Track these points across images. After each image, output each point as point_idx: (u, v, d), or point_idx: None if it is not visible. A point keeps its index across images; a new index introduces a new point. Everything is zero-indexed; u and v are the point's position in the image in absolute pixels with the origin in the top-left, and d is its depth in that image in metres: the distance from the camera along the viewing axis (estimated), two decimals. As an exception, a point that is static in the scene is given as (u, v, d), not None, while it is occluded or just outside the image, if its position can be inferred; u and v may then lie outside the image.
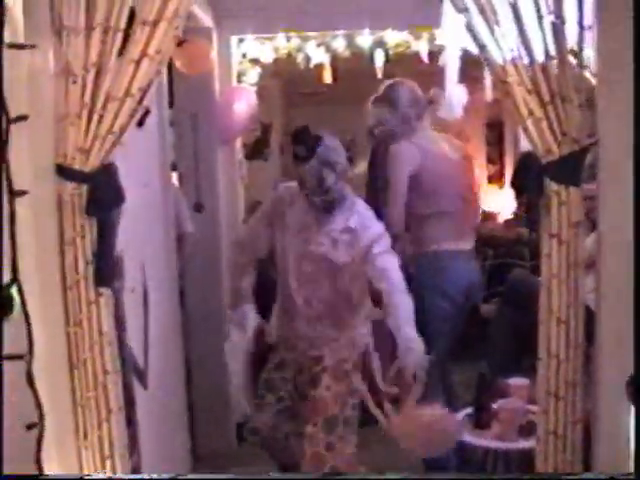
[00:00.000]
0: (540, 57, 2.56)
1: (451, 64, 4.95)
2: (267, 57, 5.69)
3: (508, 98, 2.61)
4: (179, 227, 4.54)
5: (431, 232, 4.41)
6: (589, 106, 2.63)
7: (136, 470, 3.02)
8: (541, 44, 2.55)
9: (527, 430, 3.65)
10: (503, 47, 2.57)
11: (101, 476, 2.74)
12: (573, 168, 2.56)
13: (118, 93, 2.52)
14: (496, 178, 9.46)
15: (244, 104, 5.26)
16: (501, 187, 9.29)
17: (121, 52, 2.54)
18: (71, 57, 2.51)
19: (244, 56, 5.65)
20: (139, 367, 3.24)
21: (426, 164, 4.33)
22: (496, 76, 2.65)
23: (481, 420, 3.83)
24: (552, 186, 2.59)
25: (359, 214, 3.75)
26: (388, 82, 4.69)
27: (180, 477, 3.41)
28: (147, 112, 3.15)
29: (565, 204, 2.58)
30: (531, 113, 2.56)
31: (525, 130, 2.60)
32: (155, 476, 3.02)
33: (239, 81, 5.54)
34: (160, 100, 3.75)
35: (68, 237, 2.57)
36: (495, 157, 9.45)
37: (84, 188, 2.55)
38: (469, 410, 3.96)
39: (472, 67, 5.64)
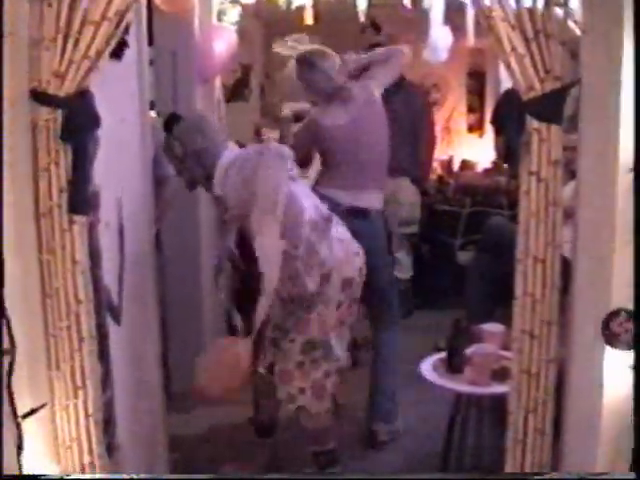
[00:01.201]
0: (527, 1, 2.54)
1: (436, 5, 4.91)
2: (248, -2, 5.63)
3: (491, 34, 2.58)
4: (159, 169, 4.49)
5: None
6: (572, 56, 2.61)
7: (109, 405, 3.00)
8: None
9: (500, 376, 3.66)
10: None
11: (96, 476, 2.75)
12: (555, 105, 2.54)
13: (94, 16, 2.47)
14: (476, 127, 9.44)
15: (224, 43, 5.19)
16: (481, 136, 9.27)
17: (99, -25, 2.49)
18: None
19: (225, -4, 5.58)
20: (113, 303, 3.21)
21: None
22: (480, 12, 2.61)
23: (454, 365, 3.85)
24: (533, 123, 2.57)
25: None
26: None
27: (170, 477, 3.45)
28: (124, 43, 3.09)
29: (545, 142, 2.56)
30: (514, 49, 2.53)
31: (507, 66, 2.57)
32: (144, 476, 3.04)
33: (219, 20, 5.47)
34: (139, 36, 3.68)
35: (42, 163, 2.54)
36: (476, 106, 9.42)
37: (59, 113, 2.51)
38: (442, 355, 3.97)
39: (453, 14, 5.63)
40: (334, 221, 3.88)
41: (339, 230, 3.91)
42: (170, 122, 3.84)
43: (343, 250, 3.88)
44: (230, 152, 3.78)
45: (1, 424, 2.26)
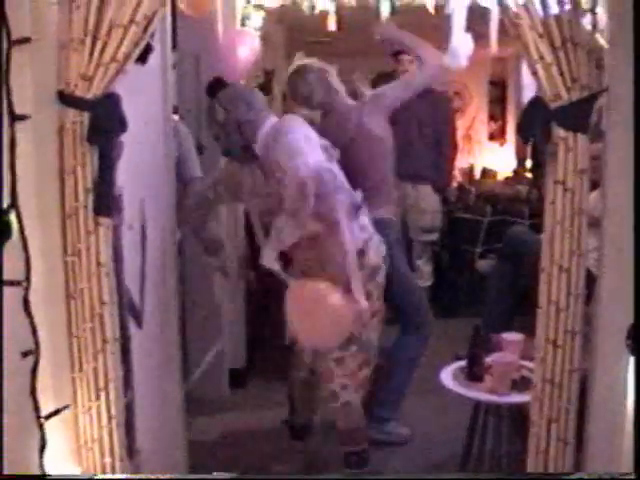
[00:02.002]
0: (554, 8, 2.53)
1: (458, 11, 4.89)
2: (272, 2, 5.62)
3: (518, 42, 2.58)
4: (186, 171, 4.50)
5: None
6: (597, 66, 2.60)
7: (129, 408, 3.01)
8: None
9: (520, 385, 3.65)
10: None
11: (107, 476, 2.75)
12: (582, 114, 2.54)
13: (122, 20, 2.49)
14: (497, 135, 9.44)
15: (247, 48, 5.18)
16: (502, 144, 9.27)
17: (127, -21, 2.50)
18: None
19: (249, 1, 5.58)
20: (135, 305, 3.22)
21: None
22: (507, 20, 2.61)
23: (474, 373, 3.83)
24: (559, 132, 2.56)
25: None
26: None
27: (184, 477, 3.45)
28: (150, 48, 3.10)
29: (572, 151, 2.56)
30: (541, 57, 2.53)
31: (535, 74, 2.56)
32: (155, 477, 3.04)
33: (243, 25, 5.47)
34: (163, 41, 3.69)
35: (68, 165, 2.55)
36: (497, 115, 9.41)
37: (85, 116, 2.52)
38: (462, 363, 3.96)
39: (477, 21, 5.61)
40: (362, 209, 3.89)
41: (364, 219, 3.92)
42: (214, 87, 3.83)
43: (369, 237, 3.89)
44: (271, 121, 3.79)
45: (1, 425, 2.25)
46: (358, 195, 3.88)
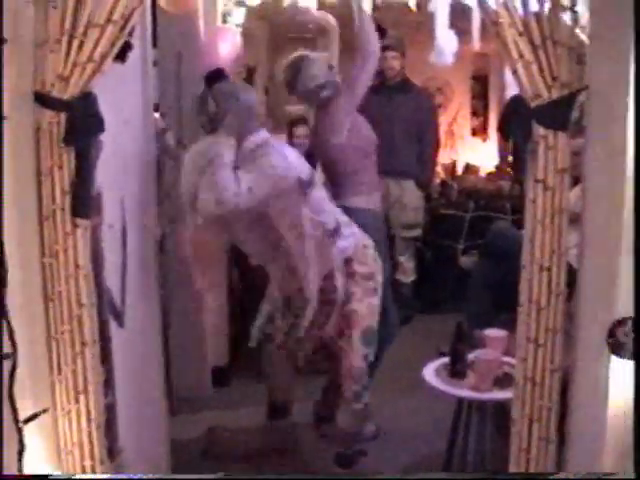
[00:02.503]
0: (534, 5, 2.52)
1: (441, 9, 4.90)
2: (253, -1, 5.61)
3: (498, 41, 2.57)
4: (163, 170, 4.49)
5: None
6: (579, 62, 2.60)
7: (110, 409, 2.99)
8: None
9: (503, 382, 3.66)
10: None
11: (103, 476, 2.73)
12: (562, 113, 2.53)
13: (99, 19, 2.46)
14: (480, 131, 9.44)
15: (229, 45, 5.18)
16: (484, 140, 9.28)
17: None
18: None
19: (230, -3, 5.57)
20: (116, 305, 3.20)
21: None
22: (487, 18, 2.60)
23: (457, 370, 3.84)
24: (540, 131, 2.55)
25: None
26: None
27: (168, 477, 3.44)
28: (129, 45, 3.08)
29: (552, 149, 2.55)
30: (521, 56, 2.52)
31: (514, 73, 2.55)
32: (151, 476, 3.03)
33: (224, 22, 5.46)
34: (144, 38, 3.67)
35: (45, 167, 2.53)
36: (480, 110, 9.42)
37: (62, 116, 2.50)
38: (445, 359, 3.96)
39: (459, 18, 5.62)
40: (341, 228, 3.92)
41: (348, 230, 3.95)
42: (213, 78, 3.81)
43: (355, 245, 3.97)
44: (260, 134, 3.77)
45: (1, 426, 2.24)
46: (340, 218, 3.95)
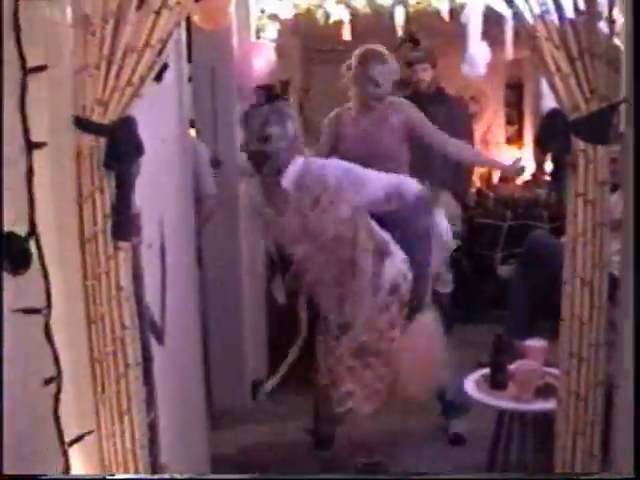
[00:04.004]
0: (569, 13, 2.51)
1: (473, 20, 4.89)
2: (286, 13, 5.63)
3: (535, 54, 2.56)
4: (200, 188, 4.52)
5: None
6: (615, 70, 2.58)
7: (153, 427, 3.01)
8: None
9: (544, 392, 3.64)
10: (531, 1, 2.51)
11: (108, 477, 2.75)
12: (601, 126, 2.51)
13: (137, 44, 2.48)
14: (515, 139, 9.37)
15: (262, 60, 5.21)
16: (520, 148, 9.20)
17: (140, 3, 2.50)
18: (89, 8, 2.47)
19: (263, 11, 5.59)
20: (156, 323, 3.22)
21: None
22: (523, 31, 2.59)
23: (497, 381, 3.83)
24: (579, 144, 2.54)
25: None
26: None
27: (176, 478, 3.44)
28: (165, 66, 3.10)
29: (592, 162, 2.54)
30: (558, 69, 2.50)
31: (552, 87, 2.54)
32: (152, 477, 3.03)
33: (257, 37, 5.49)
34: (178, 55, 3.70)
35: (86, 191, 2.55)
36: (514, 118, 9.35)
37: (102, 141, 2.52)
38: (485, 370, 3.94)
39: (493, 26, 5.60)
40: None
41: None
42: (270, 93, 3.80)
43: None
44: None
45: (1, 426, 2.25)
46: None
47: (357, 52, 4.51)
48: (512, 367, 3.83)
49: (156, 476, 3.09)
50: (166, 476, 3.26)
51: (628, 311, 2.68)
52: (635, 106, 2.40)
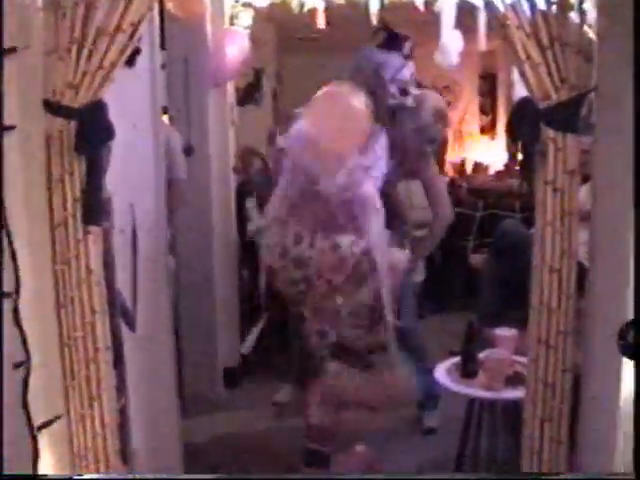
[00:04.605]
0: (541, 4, 2.52)
1: (447, 10, 4.90)
2: (260, 1, 5.61)
3: (506, 42, 2.57)
4: (171, 172, 4.50)
5: None
6: (587, 59, 2.59)
7: (123, 412, 3.00)
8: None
9: (513, 381, 3.66)
10: (503, -7, 2.53)
11: (100, 476, 2.74)
12: (571, 114, 2.53)
13: (109, 28, 2.46)
14: (488, 129, 9.42)
15: (236, 47, 5.20)
16: (493, 138, 9.25)
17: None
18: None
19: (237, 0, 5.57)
20: (127, 309, 3.21)
21: None
22: (495, 20, 2.60)
23: (468, 369, 3.84)
24: (548, 132, 2.55)
25: None
26: None
27: (176, 477, 3.44)
28: (138, 51, 3.09)
29: (561, 151, 2.55)
30: (529, 57, 2.51)
31: (523, 75, 2.55)
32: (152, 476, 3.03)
33: (231, 24, 5.46)
34: (152, 42, 3.68)
35: (56, 174, 2.54)
36: (488, 108, 9.39)
37: (72, 124, 2.50)
38: (456, 359, 3.96)
39: (466, 16, 5.61)
40: None
41: None
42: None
43: None
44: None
45: (1, 428, 2.24)
46: None
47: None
48: (482, 356, 3.85)
49: (151, 475, 3.11)
50: (163, 476, 3.28)
51: (594, 302, 2.71)
52: (635, 104, 2.41)
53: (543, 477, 2.81)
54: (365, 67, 3.80)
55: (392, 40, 3.92)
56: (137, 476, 3.04)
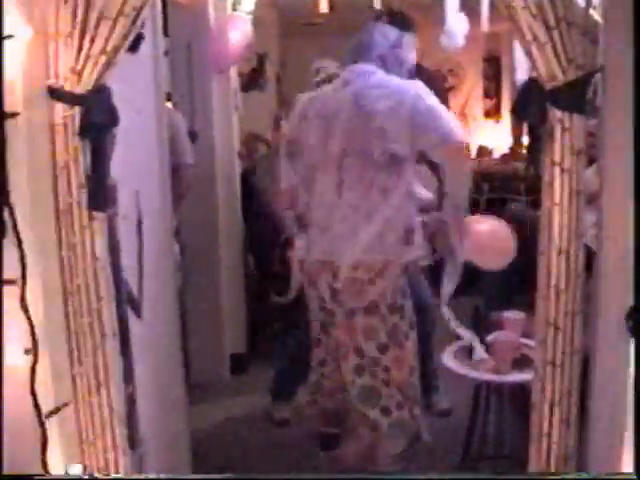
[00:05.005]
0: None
1: (451, -9, 4.88)
2: (263, -15, 5.60)
3: (512, 23, 2.55)
4: (177, 157, 4.49)
5: None
6: (592, 41, 2.57)
7: (131, 400, 3.00)
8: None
9: (521, 364, 3.66)
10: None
11: (98, 476, 2.74)
12: (578, 95, 2.50)
13: (111, 13, 2.45)
14: (493, 112, 9.39)
15: (239, 33, 5.18)
16: (498, 121, 9.23)
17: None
18: (62, -25, 2.44)
19: (240, -16, 5.55)
20: (133, 296, 3.20)
21: None
22: (500, 1, 2.58)
23: (475, 353, 3.83)
24: (555, 113, 2.53)
25: None
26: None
27: (175, 477, 3.44)
28: (141, 36, 3.08)
29: (568, 131, 2.53)
30: (535, 38, 2.49)
31: (529, 56, 2.52)
32: (145, 476, 3.03)
33: (234, 9, 5.44)
34: (154, 28, 3.67)
35: (61, 160, 2.53)
36: (492, 91, 9.36)
37: (76, 110, 2.50)
38: (463, 343, 3.96)
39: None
40: None
41: None
42: None
43: None
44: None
45: (1, 425, 2.25)
46: None
47: None
48: (489, 339, 3.84)
49: (153, 476, 3.11)
50: (169, 476, 3.28)
51: (602, 285, 2.70)
52: (635, 100, 2.40)
53: (546, 477, 2.80)
54: (380, 44, 3.72)
55: (401, 21, 3.87)
56: (136, 476, 3.03)
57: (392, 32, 3.77)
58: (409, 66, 3.86)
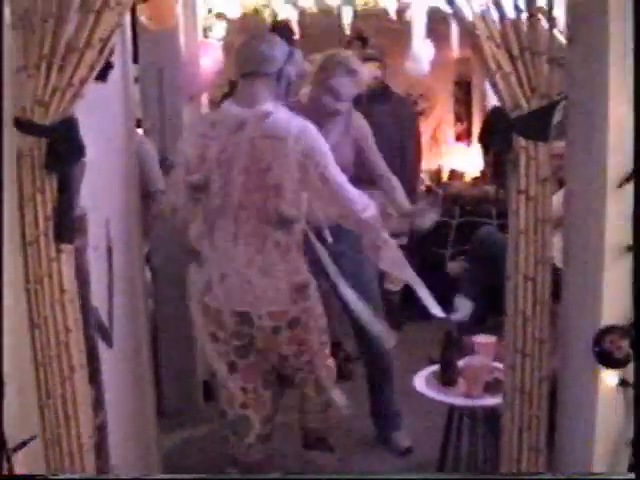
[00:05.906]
0: (510, 13, 2.53)
1: (418, 19, 4.93)
2: (233, 12, 5.62)
3: (476, 52, 2.58)
4: (148, 184, 4.48)
5: None
6: (558, 64, 2.60)
7: (101, 429, 2.98)
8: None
9: (493, 387, 3.66)
10: (472, 1, 2.54)
11: (97, 476, 2.73)
12: (542, 123, 2.54)
13: (78, 44, 2.46)
14: (464, 136, 9.42)
15: (210, 59, 5.19)
16: (469, 145, 9.26)
17: (81, 2, 2.47)
18: (29, 7, 2.44)
19: (210, 11, 5.58)
20: (104, 325, 3.19)
21: None
22: (465, 30, 2.61)
23: (447, 377, 3.84)
24: (520, 142, 2.56)
25: None
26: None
27: (162, 477, 3.42)
28: (109, 66, 3.08)
29: (533, 160, 2.56)
30: (500, 67, 2.52)
31: (494, 85, 2.56)
32: (145, 477, 3.01)
33: (205, 36, 5.47)
34: (124, 55, 3.67)
35: (28, 192, 2.52)
36: (463, 115, 9.40)
37: (43, 142, 2.49)
38: (435, 367, 3.96)
39: (439, 24, 5.64)
40: None
41: None
42: None
43: None
44: None
45: (1, 422, 2.23)
46: None
47: (321, 57, 4.25)
48: (461, 363, 3.85)
49: (148, 476, 3.08)
50: (168, 476, 3.25)
51: (569, 310, 2.72)
52: (635, 105, 2.42)
53: (543, 477, 2.81)
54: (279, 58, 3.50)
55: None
56: (136, 476, 3.01)
57: (284, 45, 3.53)
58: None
